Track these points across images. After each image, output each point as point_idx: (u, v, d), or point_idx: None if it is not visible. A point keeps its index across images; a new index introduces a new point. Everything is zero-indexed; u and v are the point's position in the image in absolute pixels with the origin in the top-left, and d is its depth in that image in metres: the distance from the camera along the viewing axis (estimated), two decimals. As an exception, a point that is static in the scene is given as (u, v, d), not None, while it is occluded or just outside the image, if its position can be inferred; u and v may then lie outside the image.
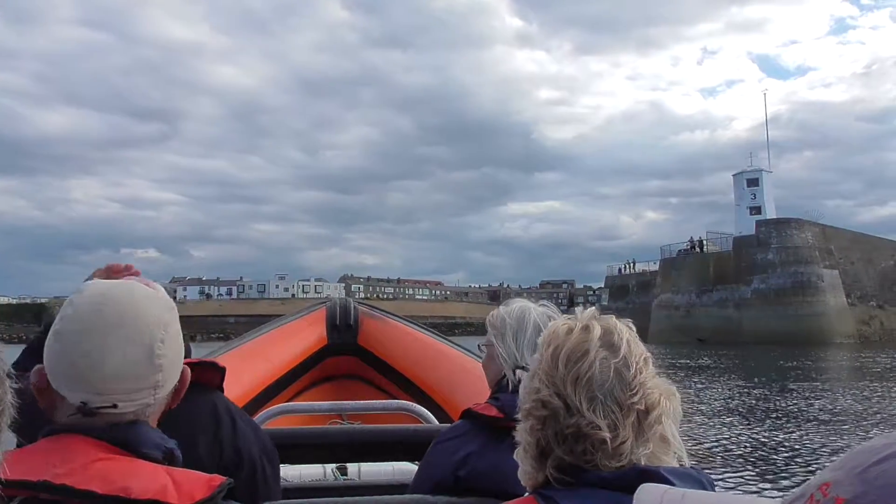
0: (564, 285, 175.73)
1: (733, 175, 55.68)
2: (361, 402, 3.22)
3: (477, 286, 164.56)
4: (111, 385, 1.00)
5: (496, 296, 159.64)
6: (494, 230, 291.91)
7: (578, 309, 1.21)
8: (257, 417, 2.64)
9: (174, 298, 1.28)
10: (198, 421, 1.29)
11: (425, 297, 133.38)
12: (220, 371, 1.53)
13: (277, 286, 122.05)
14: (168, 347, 1.06)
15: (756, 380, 21.18)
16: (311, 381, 3.91)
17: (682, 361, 29.56)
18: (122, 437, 0.99)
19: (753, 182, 53.53)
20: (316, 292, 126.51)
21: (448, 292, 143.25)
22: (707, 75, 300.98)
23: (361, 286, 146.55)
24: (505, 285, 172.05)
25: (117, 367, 1.00)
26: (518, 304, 1.84)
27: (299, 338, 3.86)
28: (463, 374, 3.36)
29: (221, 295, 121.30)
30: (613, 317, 1.16)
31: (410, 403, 2.99)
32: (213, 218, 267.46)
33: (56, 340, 1.01)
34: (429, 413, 2.88)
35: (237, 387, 3.07)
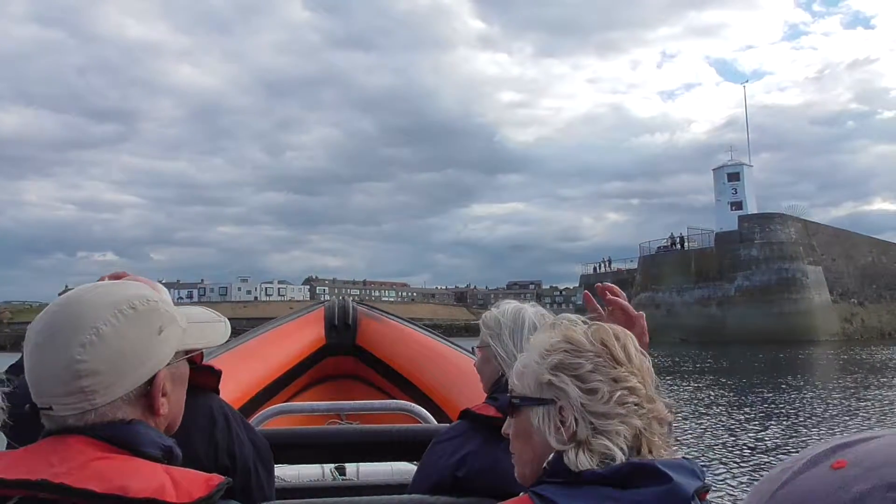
0: (532, 286, 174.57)
1: (713, 170, 54.14)
2: (360, 402, 3.26)
3: (443, 287, 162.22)
4: (43, 388, 1.03)
5: (463, 297, 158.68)
6: (458, 232, 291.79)
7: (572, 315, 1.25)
8: (256, 417, 2.67)
9: None
10: (193, 424, 1.27)
11: (392, 299, 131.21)
12: (216, 374, 1.56)
13: (240, 289, 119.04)
14: (95, 352, 1.02)
15: (743, 379, 20.99)
16: (309, 381, 3.91)
17: (664, 361, 28.72)
18: (121, 435, 1.01)
19: (734, 176, 52.06)
20: (279, 295, 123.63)
21: (414, 294, 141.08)
22: (666, 78, 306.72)
23: (326, 288, 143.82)
24: (472, 286, 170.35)
25: (40, 372, 1.03)
26: (510, 304, 1.85)
27: (298, 338, 3.88)
28: (461, 375, 3.34)
29: (182, 298, 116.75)
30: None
31: (409, 403, 2.99)
32: (174, 220, 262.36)
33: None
34: (427, 413, 2.89)
35: (236, 387, 3.13)
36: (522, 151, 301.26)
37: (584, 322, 1.21)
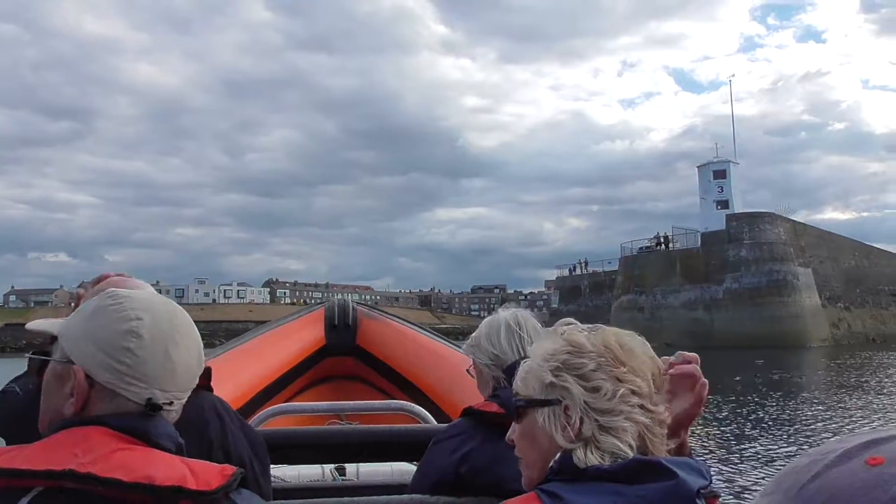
0: (496, 290, 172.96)
1: (698, 167, 51.92)
2: (360, 402, 3.32)
3: (407, 291, 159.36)
4: (179, 383, 1.12)
5: (427, 301, 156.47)
6: (421, 236, 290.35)
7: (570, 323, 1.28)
8: (256, 418, 2.74)
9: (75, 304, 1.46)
10: (186, 421, 1.28)
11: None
12: (207, 371, 1.63)
13: (197, 291, 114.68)
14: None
15: (734, 387, 19.97)
16: (309, 381, 3.97)
17: None
18: (141, 428, 1.05)
19: (720, 174, 49.88)
20: (239, 297, 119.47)
21: (378, 297, 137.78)
22: (627, 87, 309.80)
23: (287, 291, 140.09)
24: (436, 290, 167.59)
25: (185, 367, 1.13)
26: (486, 319, 1.96)
27: (298, 338, 3.91)
28: (461, 375, 3.16)
29: None
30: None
31: (409, 404, 3.04)
32: (131, 221, 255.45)
33: (135, 344, 1.08)
34: (427, 413, 2.95)
35: (236, 387, 3.19)
36: (485, 156, 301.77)
37: (586, 329, 1.22)
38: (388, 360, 3.89)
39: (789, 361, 30.04)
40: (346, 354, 3.97)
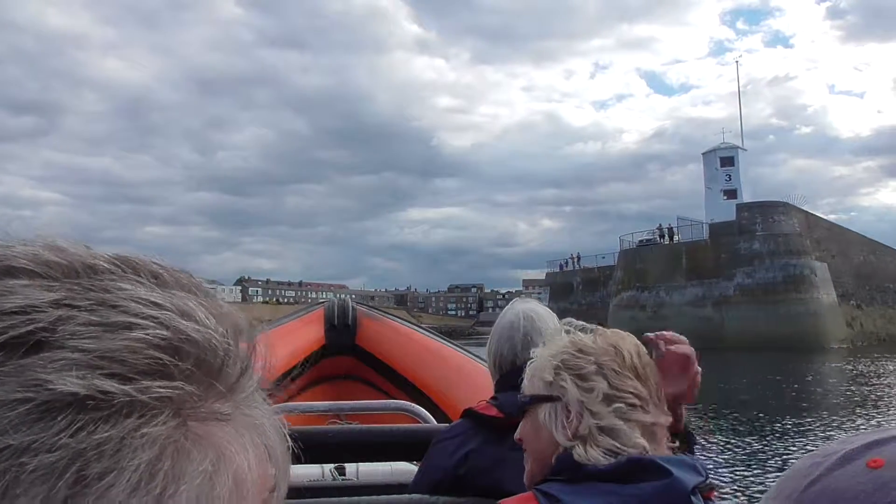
0: (474, 289, 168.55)
1: (703, 154, 48.71)
2: (359, 402, 3.36)
3: (383, 290, 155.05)
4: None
5: (403, 300, 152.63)
6: (394, 235, 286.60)
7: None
8: None
9: None
10: None
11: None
12: None
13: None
14: None
15: (746, 393, 18.66)
16: (309, 381, 3.99)
17: None
18: None
19: (728, 161, 46.44)
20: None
21: (353, 296, 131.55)
22: (599, 89, 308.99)
23: (260, 289, 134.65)
24: (413, 289, 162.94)
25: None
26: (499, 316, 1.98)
27: (297, 338, 3.93)
28: (461, 375, 3.43)
29: None
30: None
31: (408, 403, 3.06)
32: (99, 219, 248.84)
33: None
34: (427, 413, 2.98)
35: None
36: (459, 156, 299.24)
37: (592, 330, 1.28)
38: (387, 359, 3.91)
39: (808, 366, 27.30)
40: (345, 354, 4.04)
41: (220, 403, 0.34)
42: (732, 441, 11.66)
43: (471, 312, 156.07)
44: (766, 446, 11.47)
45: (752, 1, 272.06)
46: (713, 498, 1.21)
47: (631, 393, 1.13)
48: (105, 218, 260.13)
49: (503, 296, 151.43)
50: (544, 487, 1.11)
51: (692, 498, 1.08)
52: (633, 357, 1.18)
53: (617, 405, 1.12)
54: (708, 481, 1.13)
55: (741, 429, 12.73)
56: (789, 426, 13.30)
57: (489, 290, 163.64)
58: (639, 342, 1.23)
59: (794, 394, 18.68)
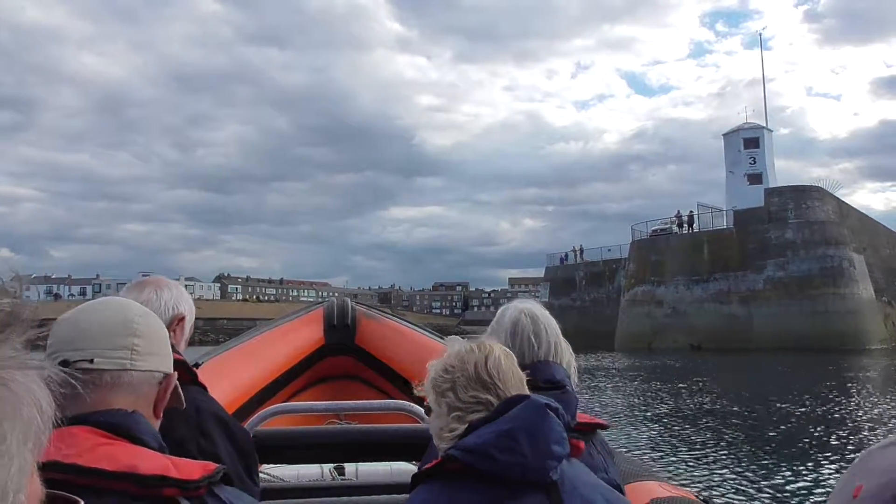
0: (458, 287, 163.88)
1: (724, 135, 44.99)
2: (359, 401, 3.31)
3: (366, 288, 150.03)
4: (89, 341, 1.15)
5: (387, 298, 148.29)
6: (376, 234, 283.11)
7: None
8: (255, 417, 2.77)
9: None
10: (165, 416, 1.31)
11: (311, 299, 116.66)
12: (189, 368, 1.70)
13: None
14: (147, 325, 1.22)
15: (778, 403, 15.29)
16: (308, 381, 4.04)
17: (666, 375, 22.34)
18: (124, 424, 1.11)
19: (752, 143, 42.63)
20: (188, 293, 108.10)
21: (336, 294, 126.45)
22: (580, 89, 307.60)
23: (239, 287, 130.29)
24: (396, 287, 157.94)
25: (92, 324, 1.17)
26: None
27: (296, 337, 3.97)
28: None
29: (73, 296, 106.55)
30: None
31: (408, 403, 2.95)
32: (76, 216, 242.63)
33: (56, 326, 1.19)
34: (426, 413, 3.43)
35: (235, 387, 3.30)
36: (441, 155, 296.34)
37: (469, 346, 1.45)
38: (387, 359, 3.96)
39: (851, 370, 23.57)
40: (345, 354, 4.06)
41: None
42: (773, 463, 9.36)
43: (455, 311, 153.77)
44: (820, 476, 8.78)
45: (731, 3, 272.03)
46: (582, 448, 1.33)
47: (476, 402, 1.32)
48: (83, 215, 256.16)
49: (489, 294, 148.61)
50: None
51: (549, 413, 1.24)
52: (487, 368, 1.33)
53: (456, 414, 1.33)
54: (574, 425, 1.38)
55: (786, 451, 10.19)
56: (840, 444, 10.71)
57: (474, 289, 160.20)
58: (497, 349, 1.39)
59: (843, 401, 15.70)
